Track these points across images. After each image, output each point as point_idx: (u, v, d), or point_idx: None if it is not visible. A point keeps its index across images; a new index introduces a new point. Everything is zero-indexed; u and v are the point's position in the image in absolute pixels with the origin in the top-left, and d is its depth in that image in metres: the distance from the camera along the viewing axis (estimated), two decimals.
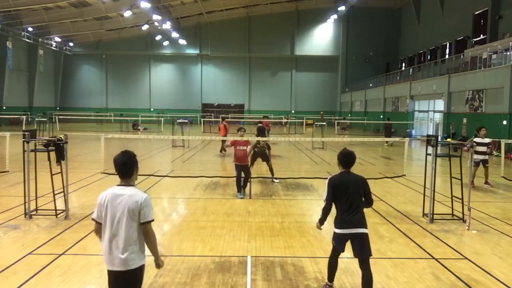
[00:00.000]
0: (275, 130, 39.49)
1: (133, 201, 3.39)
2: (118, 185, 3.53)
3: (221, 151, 19.13)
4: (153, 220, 3.45)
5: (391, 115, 38.49)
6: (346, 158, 4.65)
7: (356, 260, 5.96)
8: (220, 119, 20.62)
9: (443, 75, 29.30)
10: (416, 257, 6.17)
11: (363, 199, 4.64)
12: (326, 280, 5.07)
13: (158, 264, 3.61)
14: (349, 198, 4.51)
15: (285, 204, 9.42)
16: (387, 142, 24.66)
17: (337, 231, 4.60)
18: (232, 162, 10.75)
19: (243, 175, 10.04)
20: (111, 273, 3.48)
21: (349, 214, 4.50)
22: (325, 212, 4.72)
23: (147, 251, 3.53)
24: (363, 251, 4.54)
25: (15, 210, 8.23)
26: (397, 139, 20.14)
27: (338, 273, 5.46)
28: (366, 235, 4.55)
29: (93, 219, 3.53)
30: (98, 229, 3.52)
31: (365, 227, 4.56)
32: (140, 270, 3.48)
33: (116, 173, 3.59)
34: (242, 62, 56.58)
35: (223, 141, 18.83)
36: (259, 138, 13.30)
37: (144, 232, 3.42)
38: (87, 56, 56.71)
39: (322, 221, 4.79)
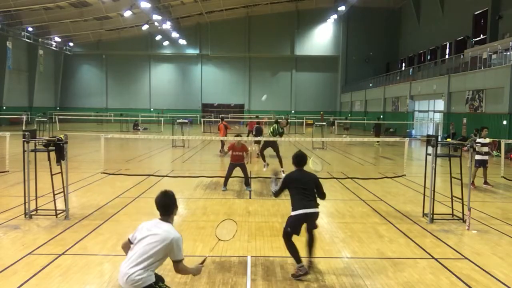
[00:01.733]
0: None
1: (167, 237, 3.61)
2: (160, 219, 3.81)
3: (220, 151, 19.12)
4: (183, 259, 3.73)
5: (391, 115, 38.53)
6: (298, 159, 5.67)
7: (356, 260, 6.00)
8: (220, 119, 20.62)
9: (443, 75, 29.30)
10: (416, 257, 6.17)
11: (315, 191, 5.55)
12: (326, 282, 5.08)
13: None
14: (303, 188, 5.42)
15: (285, 204, 9.40)
16: (378, 141, 24.75)
17: (294, 213, 5.34)
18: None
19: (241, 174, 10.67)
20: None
21: (304, 200, 5.37)
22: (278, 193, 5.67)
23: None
24: (313, 225, 5.49)
25: (15, 210, 8.22)
26: (395, 139, 20.11)
27: (338, 272, 5.47)
28: (318, 213, 5.47)
29: (128, 239, 3.82)
30: (126, 246, 3.82)
31: (317, 207, 5.44)
32: None
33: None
34: (242, 62, 56.57)
35: (223, 141, 18.92)
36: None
37: (175, 269, 3.73)
38: (87, 56, 56.70)
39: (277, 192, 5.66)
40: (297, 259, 5.30)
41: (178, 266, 3.69)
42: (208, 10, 50.69)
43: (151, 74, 57.36)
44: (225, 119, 20.36)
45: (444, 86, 28.61)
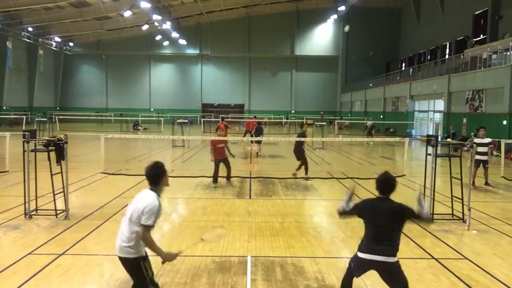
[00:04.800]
0: (274, 129, 39.59)
1: (140, 204, 3.79)
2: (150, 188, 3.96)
3: None
4: (151, 227, 3.77)
5: (391, 115, 38.53)
6: (383, 185, 4.29)
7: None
8: (220, 119, 20.65)
9: (443, 75, 29.30)
10: (416, 257, 6.16)
11: (402, 227, 4.16)
12: (326, 282, 5.06)
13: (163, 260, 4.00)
14: (378, 225, 4.06)
15: (285, 204, 9.42)
16: (367, 142, 24.75)
17: (358, 253, 4.14)
18: (232, 162, 10.92)
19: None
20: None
21: (375, 242, 4.03)
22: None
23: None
24: (390, 280, 4.03)
25: (15, 210, 8.22)
26: (395, 139, 20.12)
27: (339, 272, 5.45)
28: (392, 264, 3.96)
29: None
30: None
31: (392, 255, 3.98)
32: (134, 262, 3.86)
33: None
34: (242, 62, 56.54)
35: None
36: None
37: (141, 234, 3.78)
38: (87, 56, 56.69)
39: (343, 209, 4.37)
40: None
41: (144, 232, 3.73)
42: (208, 10, 50.68)
43: (151, 74, 57.35)
44: (225, 119, 20.35)
45: (444, 86, 28.61)
